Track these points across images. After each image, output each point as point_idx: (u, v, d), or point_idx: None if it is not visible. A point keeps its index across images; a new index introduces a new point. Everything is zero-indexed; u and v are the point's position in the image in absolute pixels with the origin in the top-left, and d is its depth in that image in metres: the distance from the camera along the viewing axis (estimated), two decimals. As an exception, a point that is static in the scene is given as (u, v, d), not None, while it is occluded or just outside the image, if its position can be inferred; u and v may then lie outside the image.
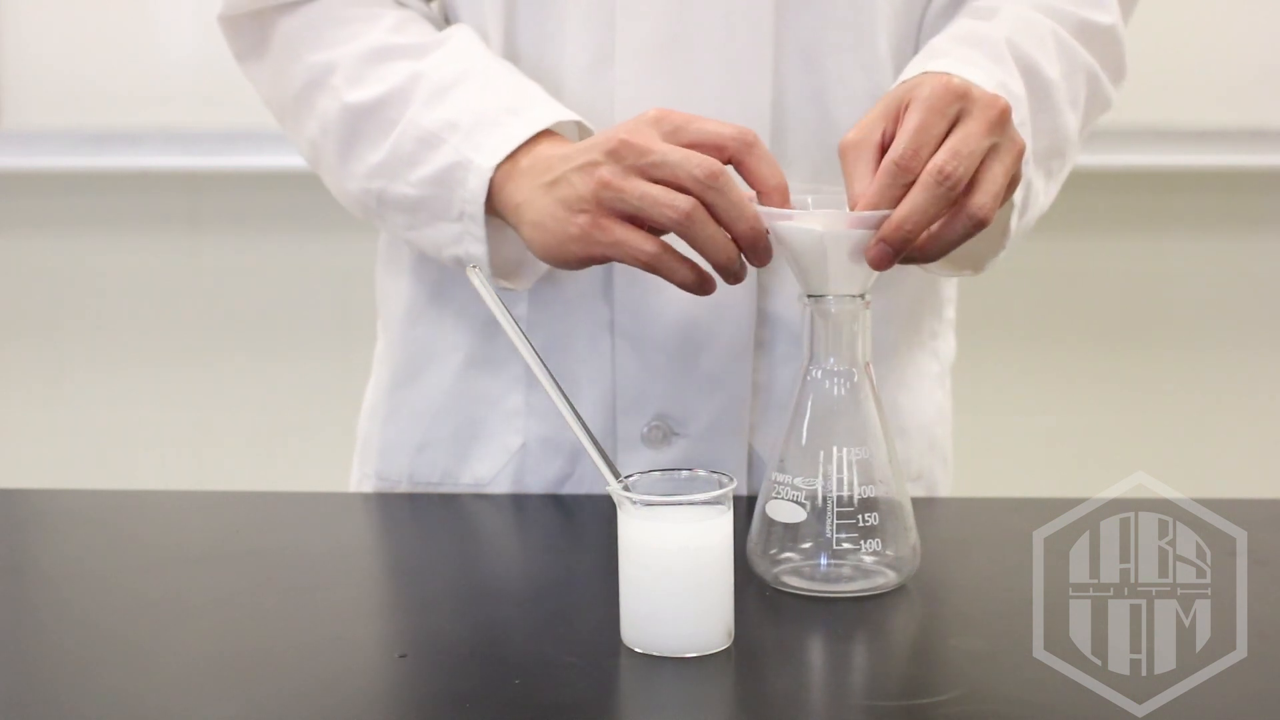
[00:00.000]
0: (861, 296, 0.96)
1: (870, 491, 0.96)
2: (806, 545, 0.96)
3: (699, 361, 1.17)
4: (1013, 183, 1.01)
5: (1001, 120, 0.96)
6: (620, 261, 1.01)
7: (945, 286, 1.29)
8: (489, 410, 1.21)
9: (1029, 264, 2.41)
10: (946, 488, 1.29)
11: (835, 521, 0.95)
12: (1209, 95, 2.21)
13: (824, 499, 0.96)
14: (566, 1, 1.14)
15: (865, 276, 0.96)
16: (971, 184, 0.95)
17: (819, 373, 0.97)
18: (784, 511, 0.96)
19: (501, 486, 1.21)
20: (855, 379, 0.97)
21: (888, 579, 0.97)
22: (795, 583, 0.96)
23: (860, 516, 0.95)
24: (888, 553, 0.96)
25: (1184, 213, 2.40)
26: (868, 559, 0.96)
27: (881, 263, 0.94)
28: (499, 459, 1.21)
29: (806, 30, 1.15)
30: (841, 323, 0.97)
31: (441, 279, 1.21)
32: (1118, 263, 2.43)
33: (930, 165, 0.94)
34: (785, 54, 1.15)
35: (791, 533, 0.97)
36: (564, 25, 1.15)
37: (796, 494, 0.96)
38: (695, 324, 1.16)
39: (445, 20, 1.23)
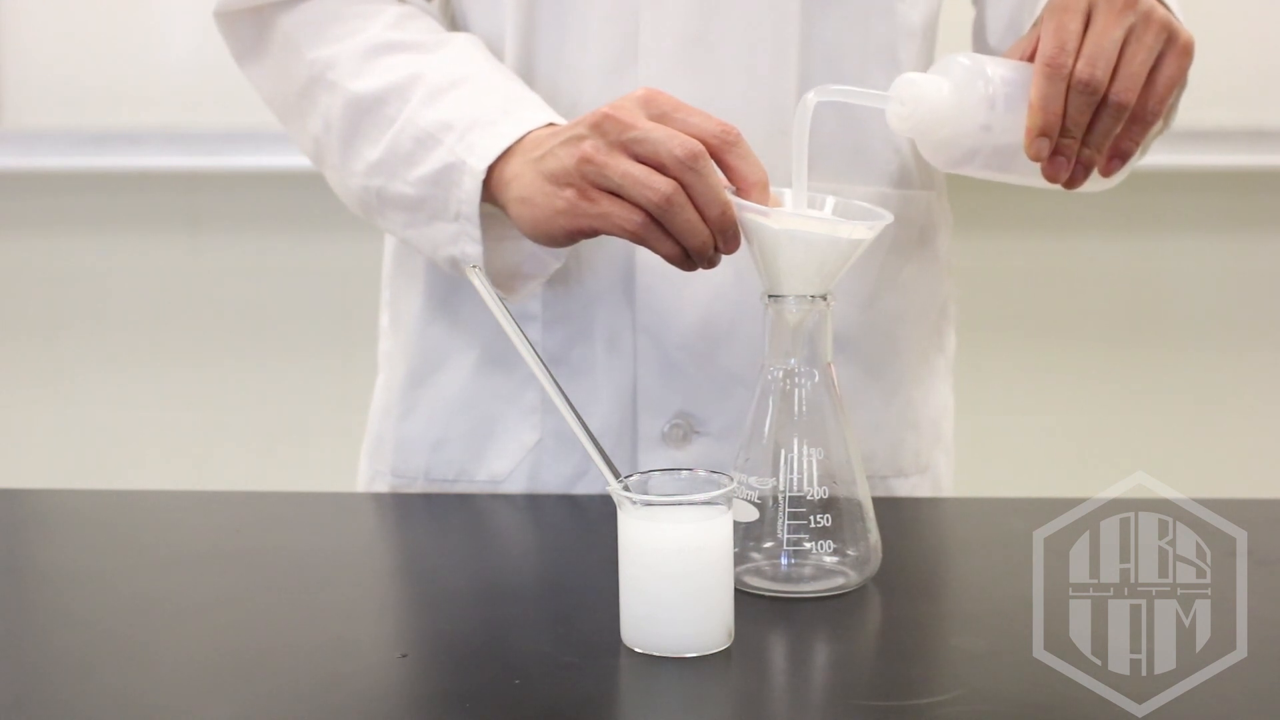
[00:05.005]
0: (823, 297, 0.96)
1: (827, 492, 0.96)
2: (768, 545, 0.96)
3: (722, 360, 1.17)
4: (1176, 48, 1.00)
5: (1128, 3, 0.97)
6: (607, 233, 1.02)
7: (949, 283, 1.30)
8: (505, 407, 1.21)
9: (1029, 264, 2.42)
10: (949, 478, 1.30)
11: (788, 521, 0.95)
12: (1209, 95, 2.21)
13: (777, 499, 0.96)
14: (589, 1, 1.14)
15: (825, 278, 0.96)
16: (1113, 74, 0.97)
17: (779, 372, 0.97)
18: (739, 511, 0.96)
19: (518, 482, 1.21)
20: (816, 379, 0.97)
21: (848, 579, 0.96)
22: (756, 582, 0.96)
23: (814, 517, 0.95)
24: (847, 553, 0.96)
25: (1184, 213, 2.40)
26: (828, 559, 0.96)
27: (1057, 175, 0.98)
28: (515, 455, 1.21)
29: (830, 31, 1.16)
30: (801, 323, 0.96)
31: (456, 278, 1.21)
32: (1118, 263, 2.43)
33: (1073, 81, 0.96)
34: (810, 54, 1.15)
35: (751, 532, 0.97)
36: (586, 24, 1.15)
37: (751, 494, 0.96)
38: (718, 322, 1.17)
39: (449, 18, 1.23)
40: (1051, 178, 0.99)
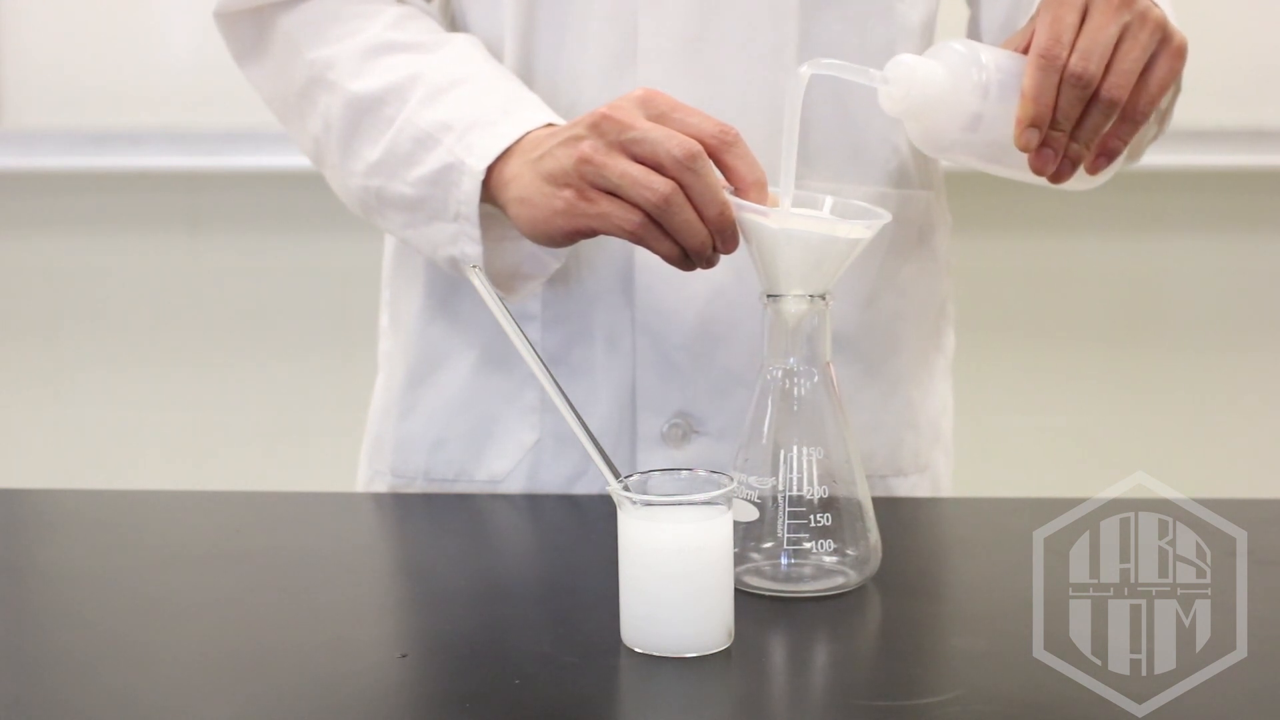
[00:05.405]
0: (822, 297, 0.96)
1: (827, 491, 0.96)
2: (767, 545, 0.96)
3: (721, 360, 1.17)
4: (1170, 49, 1.00)
5: (1125, 1, 0.97)
6: (605, 233, 1.02)
7: (947, 283, 1.30)
8: (505, 406, 1.21)
9: (1029, 264, 2.42)
10: (948, 477, 1.30)
11: (788, 521, 0.95)
12: (1208, 95, 2.21)
13: (777, 499, 0.96)
14: (588, 1, 1.14)
15: (823, 277, 0.96)
16: (1106, 71, 0.97)
17: (778, 372, 0.97)
18: (740, 511, 0.96)
19: (517, 482, 1.21)
20: (815, 379, 0.97)
21: (848, 579, 0.96)
22: (756, 582, 0.96)
23: (814, 516, 0.95)
24: (847, 552, 0.96)
25: (1184, 213, 2.40)
26: (827, 559, 0.96)
27: (1043, 167, 0.97)
28: (514, 455, 1.21)
29: (829, 32, 1.16)
30: (800, 322, 0.96)
31: (456, 278, 1.21)
32: (1118, 263, 2.43)
33: (1066, 74, 0.95)
34: (808, 54, 1.15)
35: (751, 532, 0.96)
36: (585, 25, 1.15)
37: (751, 493, 0.96)
38: (717, 322, 1.17)
39: (449, 18, 1.23)
40: (1038, 170, 0.99)
